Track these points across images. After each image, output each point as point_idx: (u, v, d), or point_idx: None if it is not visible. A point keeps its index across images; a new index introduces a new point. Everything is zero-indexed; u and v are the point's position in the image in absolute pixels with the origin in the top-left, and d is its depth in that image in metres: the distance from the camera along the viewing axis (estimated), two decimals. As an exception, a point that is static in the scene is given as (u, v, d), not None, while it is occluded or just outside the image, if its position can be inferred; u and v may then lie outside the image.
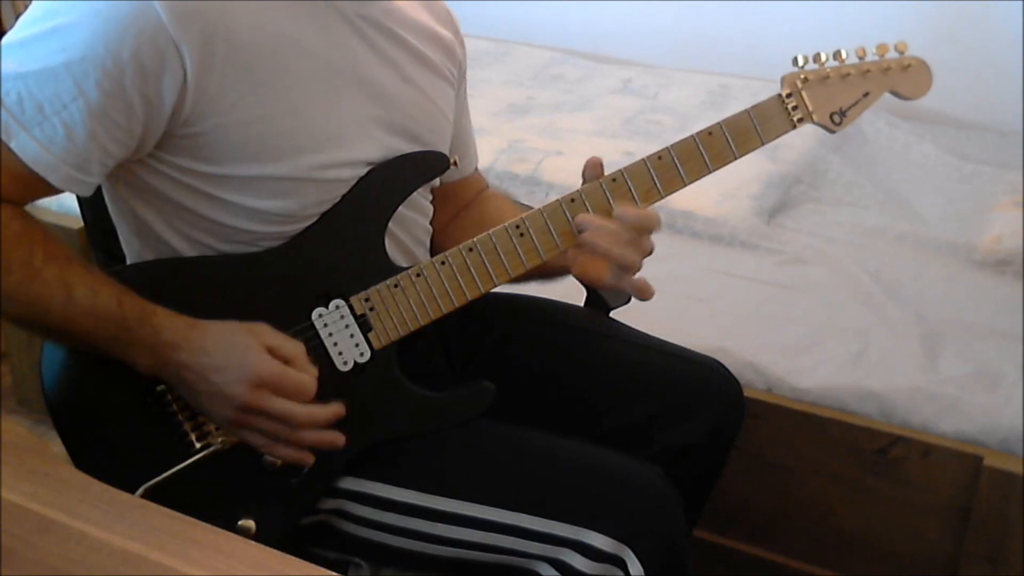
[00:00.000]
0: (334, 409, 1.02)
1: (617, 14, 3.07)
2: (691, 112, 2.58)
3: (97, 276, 0.98)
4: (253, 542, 0.80)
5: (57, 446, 1.03)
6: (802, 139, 2.25)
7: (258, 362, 0.97)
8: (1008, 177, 2.27)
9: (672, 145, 1.10)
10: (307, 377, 0.99)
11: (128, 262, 1.11)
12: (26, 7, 1.04)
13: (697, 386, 1.28)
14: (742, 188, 2.10)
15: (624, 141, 2.39)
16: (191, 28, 0.94)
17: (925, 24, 2.60)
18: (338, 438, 1.02)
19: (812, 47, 1.18)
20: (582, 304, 1.40)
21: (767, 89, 1.17)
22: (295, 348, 1.00)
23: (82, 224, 1.31)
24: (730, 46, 2.91)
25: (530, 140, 2.37)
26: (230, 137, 0.99)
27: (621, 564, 1.05)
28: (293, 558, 0.78)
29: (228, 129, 0.99)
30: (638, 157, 1.11)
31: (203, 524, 0.81)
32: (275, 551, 0.79)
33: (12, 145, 0.93)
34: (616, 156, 2.25)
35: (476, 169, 1.35)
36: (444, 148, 1.18)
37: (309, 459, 1.03)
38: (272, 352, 0.98)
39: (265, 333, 0.99)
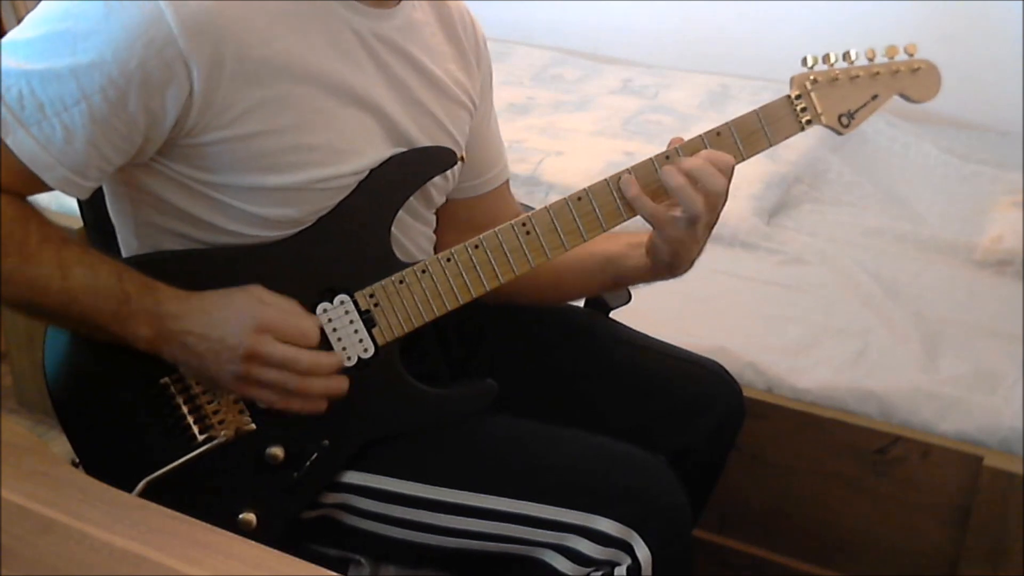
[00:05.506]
0: (337, 357, 1.03)
1: (617, 14, 3.07)
2: (691, 112, 2.57)
3: (95, 255, 0.98)
4: (253, 542, 0.80)
5: (57, 446, 1.03)
6: (802, 139, 2.21)
7: (259, 310, 0.99)
8: (1008, 177, 2.28)
9: (680, 145, 1.10)
10: (308, 323, 1.01)
11: (125, 261, 1.11)
12: (26, 7, 1.04)
13: (697, 388, 1.28)
14: (742, 188, 2.10)
15: (624, 141, 2.39)
16: (202, 43, 0.94)
17: (925, 24, 2.60)
18: (343, 383, 1.03)
19: (812, 47, 1.17)
20: (582, 305, 1.40)
21: (767, 89, 1.17)
22: (289, 302, 1.01)
23: (82, 224, 1.31)
24: (730, 46, 2.91)
25: (530, 140, 2.37)
26: (233, 149, 0.99)
27: (628, 548, 1.05)
28: (293, 558, 0.78)
29: (231, 141, 0.99)
30: (638, 157, 1.11)
31: (203, 524, 0.81)
32: (275, 551, 0.79)
33: (8, 141, 0.93)
34: (616, 156, 2.25)
35: (507, 183, 1.31)
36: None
37: (322, 407, 1.03)
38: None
39: (260, 289, 1.01)
